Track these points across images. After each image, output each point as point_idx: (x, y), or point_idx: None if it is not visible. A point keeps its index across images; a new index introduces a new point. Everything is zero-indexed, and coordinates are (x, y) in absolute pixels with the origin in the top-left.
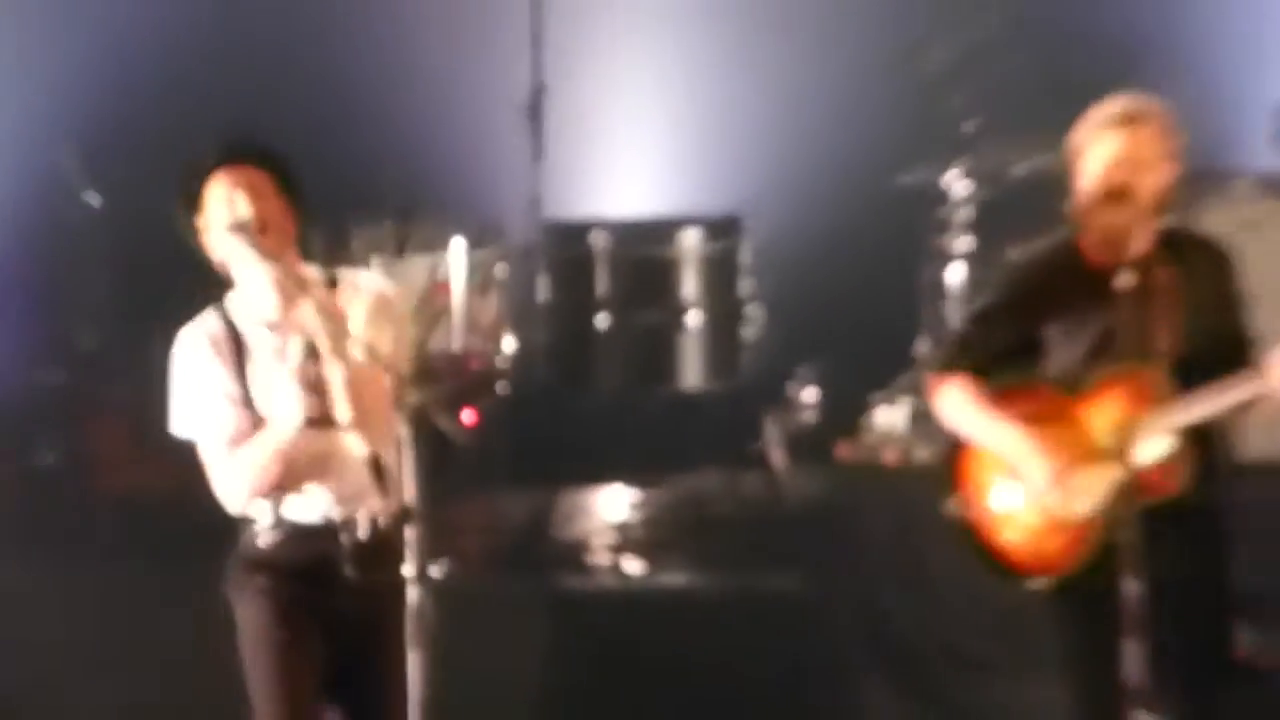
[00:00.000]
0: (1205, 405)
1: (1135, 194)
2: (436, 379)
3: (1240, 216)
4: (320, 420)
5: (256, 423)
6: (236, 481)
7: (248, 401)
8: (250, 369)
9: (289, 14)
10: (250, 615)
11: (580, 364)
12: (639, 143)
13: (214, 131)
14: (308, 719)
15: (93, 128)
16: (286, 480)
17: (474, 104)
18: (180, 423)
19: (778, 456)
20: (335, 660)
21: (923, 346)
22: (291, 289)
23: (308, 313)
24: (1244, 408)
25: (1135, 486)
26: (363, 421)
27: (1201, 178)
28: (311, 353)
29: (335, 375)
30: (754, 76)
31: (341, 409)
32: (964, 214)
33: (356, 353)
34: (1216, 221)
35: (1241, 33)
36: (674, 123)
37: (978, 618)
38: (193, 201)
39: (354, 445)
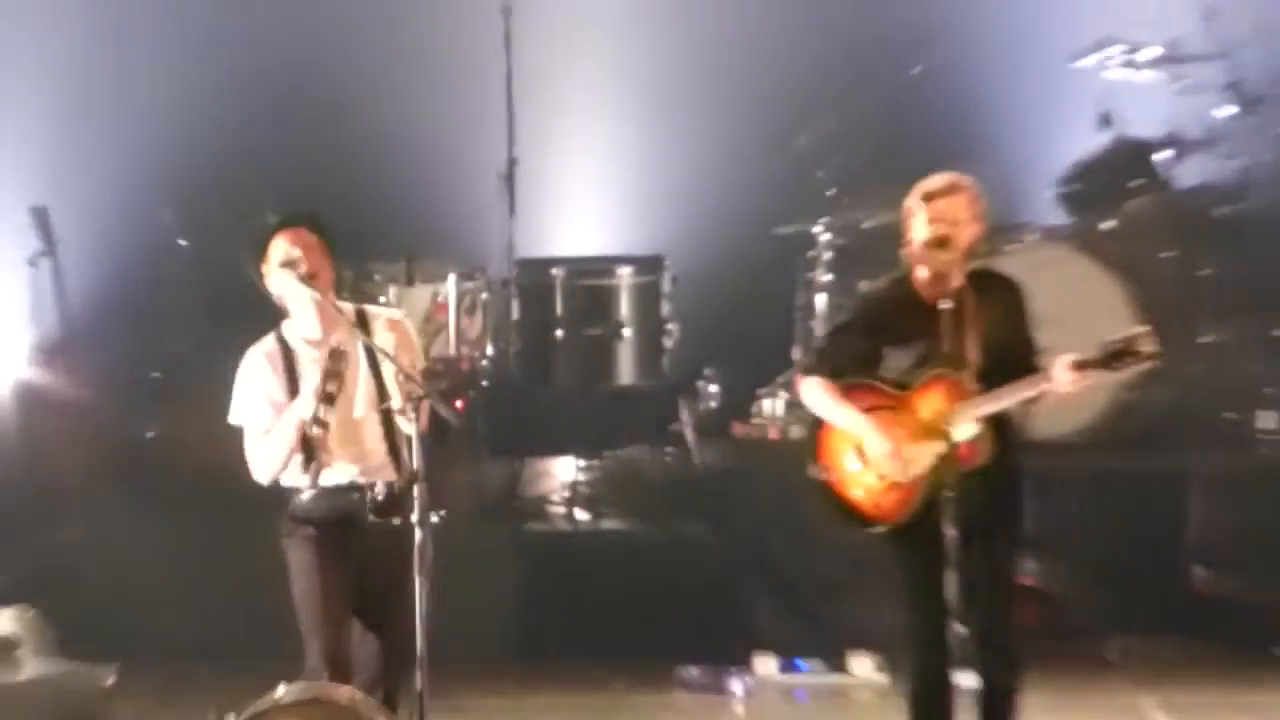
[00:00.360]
0: (1003, 399)
1: (952, 244)
2: (436, 376)
3: (1029, 259)
4: (349, 410)
5: (298, 428)
6: (261, 462)
7: (283, 397)
8: (298, 380)
9: (330, 107)
10: (298, 555)
11: (542, 366)
12: (587, 201)
13: (274, 194)
14: (339, 626)
15: (183, 190)
16: (325, 457)
17: (465, 174)
18: (235, 414)
19: (690, 434)
20: (360, 585)
21: (796, 353)
22: (329, 316)
23: (341, 333)
24: (1032, 401)
25: (951, 458)
26: (379, 412)
27: (1001, 230)
28: (340, 361)
29: (360, 380)
30: (673, 152)
31: (360, 405)
32: (826, 256)
33: (383, 362)
34: (1012, 263)
35: (1029, 124)
36: (613, 186)
37: (838, 554)
38: (260, 252)
39: (371, 429)
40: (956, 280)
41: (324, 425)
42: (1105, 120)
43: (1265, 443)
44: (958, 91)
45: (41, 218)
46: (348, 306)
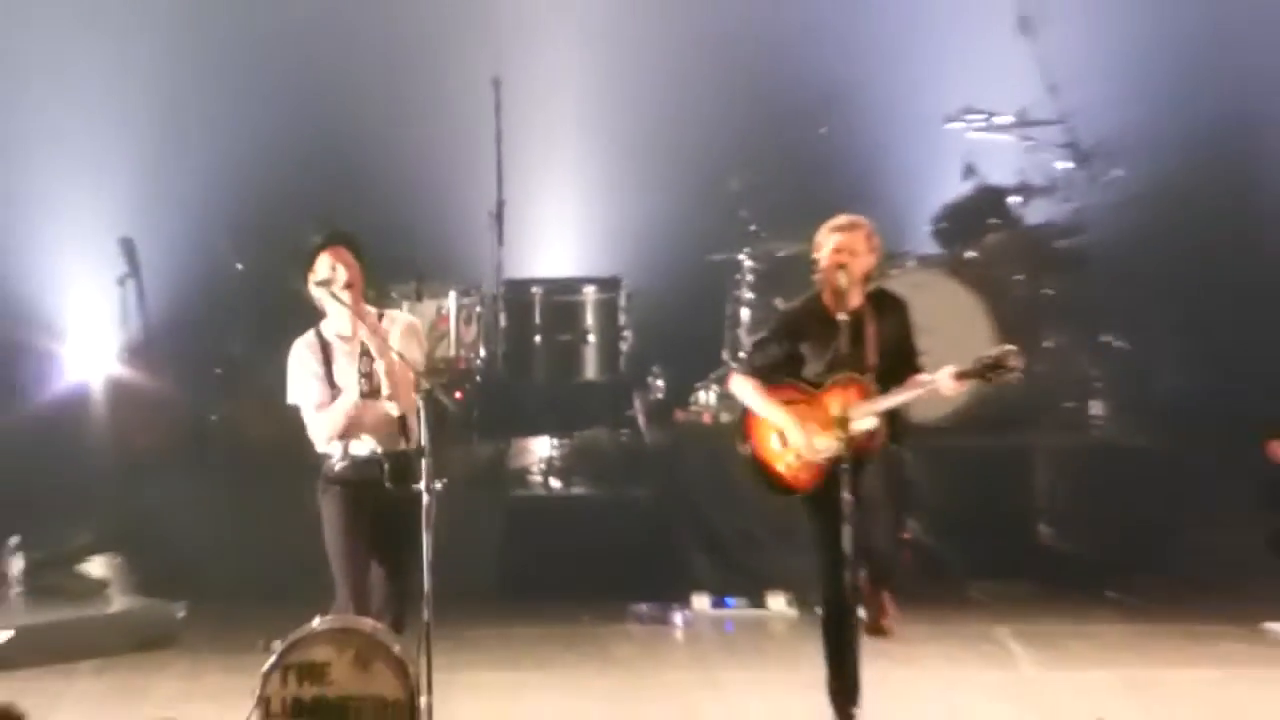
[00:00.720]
0: (897, 399)
1: (851, 270)
2: (440, 373)
3: (909, 280)
4: (370, 395)
5: (334, 396)
6: (320, 431)
7: (329, 383)
8: (333, 365)
9: (358, 158)
10: (329, 509)
11: (523, 365)
12: (560, 234)
13: (315, 223)
14: (362, 570)
15: (237, 219)
16: (352, 429)
17: (463, 212)
18: (291, 395)
19: (641, 419)
20: (378, 536)
21: (725, 355)
22: (358, 318)
23: (365, 332)
24: (917, 399)
25: (852, 444)
26: (395, 396)
27: (889, 257)
28: (366, 354)
29: (380, 369)
30: (629, 194)
31: (383, 389)
32: (748, 278)
33: (394, 357)
34: (896, 283)
35: (909, 173)
36: (581, 222)
37: (760, 515)
38: (307, 265)
39: (391, 410)
40: (857, 299)
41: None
42: (969, 171)
43: (1095, 426)
44: (854, 147)
45: (128, 247)
46: (372, 310)
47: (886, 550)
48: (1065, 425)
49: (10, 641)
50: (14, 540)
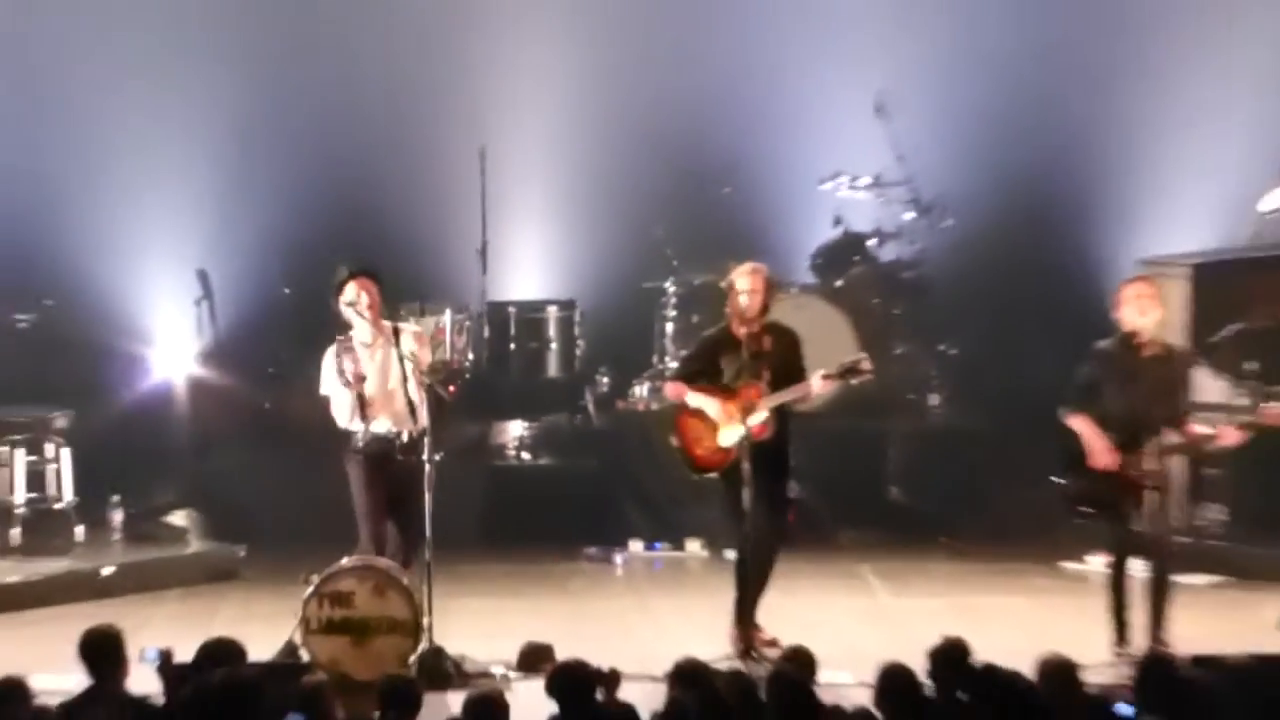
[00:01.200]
0: (781, 397)
1: (752, 304)
2: (438, 372)
3: (794, 303)
4: (386, 386)
5: (355, 390)
6: (339, 415)
7: (349, 381)
8: (358, 364)
9: (375, 207)
10: (354, 473)
11: (501, 366)
12: (529, 266)
13: (344, 258)
14: (379, 521)
15: (285, 254)
16: (371, 413)
17: (455, 249)
18: (323, 389)
19: (591, 408)
20: (391, 495)
21: (654, 359)
22: (377, 330)
23: (382, 339)
24: (799, 400)
25: (751, 432)
26: (405, 384)
27: (779, 285)
28: (385, 357)
29: (393, 369)
30: (582, 236)
31: (394, 382)
32: (672, 300)
33: (406, 358)
34: (784, 305)
35: (793, 222)
36: (545, 257)
37: (680, 480)
38: (340, 290)
39: (399, 398)
40: (756, 327)
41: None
42: (837, 221)
43: (933, 412)
44: (751, 201)
45: (203, 276)
46: (387, 324)
47: (776, 507)
48: (911, 412)
49: (112, 574)
50: (115, 498)
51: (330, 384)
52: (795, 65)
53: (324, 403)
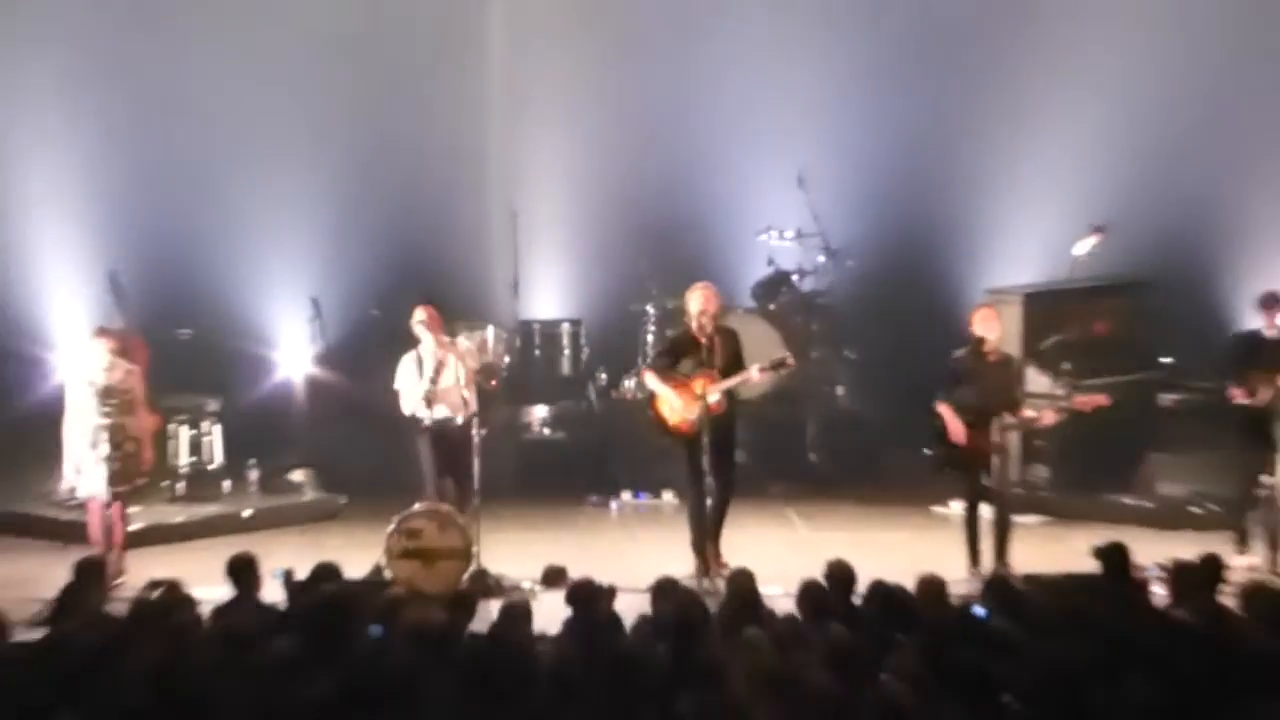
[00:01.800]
0: (730, 383)
1: (705, 313)
2: (484, 371)
3: (738, 320)
4: (446, 383)
5: (424, 389)
6: (405, 404)
7: (420, 378)
8: (425, 368)
9: (439, 251)
10: (422, 445)
11: (528, 367)
12: (549, 295)
13: (417, 290)
14: (441, 478)
15: (374, 284)
16: (434, 401)
17: (497, 282)
18: (395, 383)
19: (593, 396)
20: (449, 459)
21: (639, 362)
22: (440, 341)
23: (444, 349)
24: (742, 384)
25: (708, 409)
26: (459, 381)
27: (728, 308)
28: (444, 360)
29: (451, 370)
30: (586, 272)
31: (450, 380)
32: (651, 319)
33: (461, 362)
34: (733, 320)
35: (739, 263)
36: (561, 287)
37: (656, 447)
38: (411, 312)
39: (455, 391)
40: (710, 330)
41: (434, 392)
42: (770, 262)
43: (838, 400)
44: (709, 245)
45: (315, 302)
46: (446, 338)
47: (726, 468)
48: (823, 399)
49: (250, 516)
50: (251, 461)
51: (402, 381)
52: (739, 146)
53: (395, 394)
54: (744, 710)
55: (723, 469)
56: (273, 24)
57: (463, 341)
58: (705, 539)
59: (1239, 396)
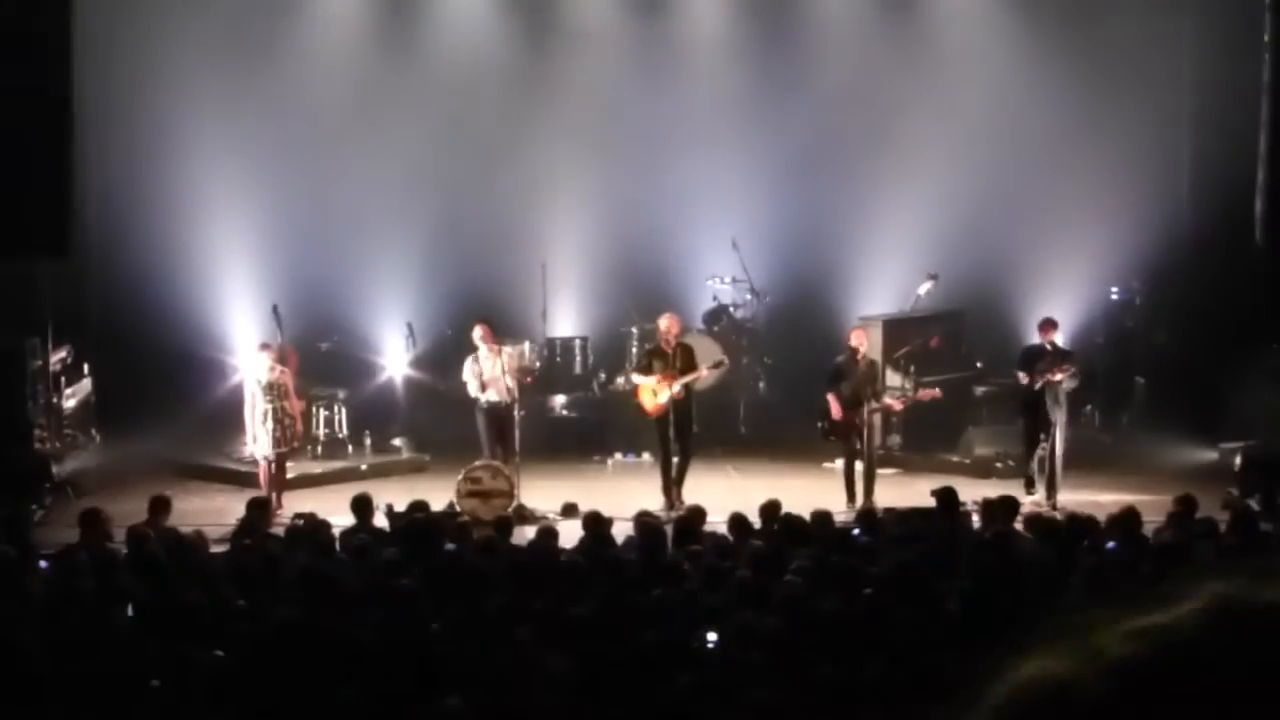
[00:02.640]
0: (686, 379)
1: (670, 332)
2: (522, 371)
3: (692, 338)
4: (495, 375)
5: (479, 380)
6: (470, 389)
7: (478, 374)
8: (480, 365)
9: (490, 289)
10: (480, 419)
11: (553, 368)
12: (566, 319)
13: (476, 314)
14: (494, 443)
15: (449, 310)
16: (487, 388)
17: (529, 312)
18: (463, 375)
19: (596, 390)
20: (498, 430)
21: (626, 368)
22: (491, 348)
23: (493, 354)
24: (695, 380)
25: (672, 398)
26: (505, 377)
27: (687, 330)
28: (494, 359)
29: (499, 366)
30: (591, 309)
31: (498, 371)
32: (635, 338)
33: (507, 364)
34: (690, 338)
35: (696, 301)
36: (575, 315)
37: (638, 423)
38: (470, 330)
39: (501, 381)
40: (673, 344)
41: (484, 385)
42: (714, 298)
43: (760, 389)
44: (671, 289)
45: (410, 325)
46: (496, 346)
47: (685, 437)
48: (750, 389)
49: (365, 469)
50: (367, 431)
51: (466, 375)
52: (693, 218)
53: (462, 385)
54: (693, 596)
55: (684, 438)
56: (386, 132)
57: (508, 350)
58: (670, 485)
59: (1024, 380)
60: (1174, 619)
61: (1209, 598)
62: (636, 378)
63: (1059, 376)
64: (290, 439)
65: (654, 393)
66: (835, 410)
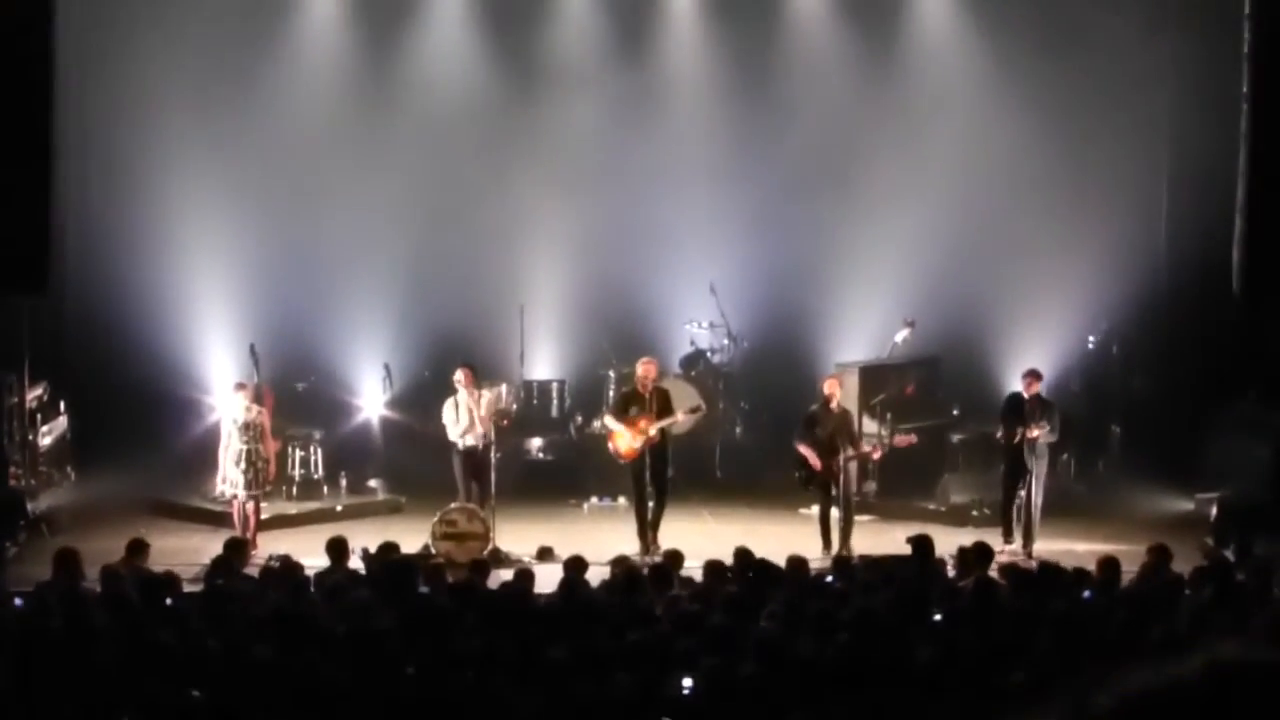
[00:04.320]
0: (663, 423)
1: (648, 376)
2: (499, 414)
3: (669, 382)
4: (473, 419)
5: (457, 423)
6: (449, 433)
7: (457, 419)
8: (459, 410)
9: (470, 334)
10: (456, 462)
11: (530, 412)
12: (545, 362)
13: (459, 358)
14: (468, 485)
15: (431, 355)
16: (464, 433)
17: (509, 356)
18: (444, 419)
19: (573, 432)
20: (474, 474)
21: (603, 410)
22: (472, 392)
23: (473, 398)
24: (671, 424)
25: (648, 441)
26: (480, 419)
27: (664, 373)
28: (472, 404)
29: (479, 411)
30: (570, 353)
31: (478, 417)
32: (611, 380)
33: (484, 406)
34: (667, 381)
35: (675, 345)
36: (553, 360)
37: (614, 467)
38: (452, 373)
39: (479, 426)
40: (649, 388)
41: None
42: (692, 343)
43: (737, 434)
44: (649, 333)
45: (387, 366)
46: (476, 390)
47: (661, 481)
48: (726, 433)
49: (340, 510)
50: (343, 472)
51: (446, 417)
52: (672, 265)
53: (440, 427)
54: (668, 641)
55: (659, 482)
56: (365, 173)
57: (488, 393)
58: (646, 528)
59: (1004, 438)
60: (1171, 680)
61: (1205, 658)
62: (610, 421)
63: (1035, 434)
64: (263, 482)
65: (629, 436)
66: (813, 460)
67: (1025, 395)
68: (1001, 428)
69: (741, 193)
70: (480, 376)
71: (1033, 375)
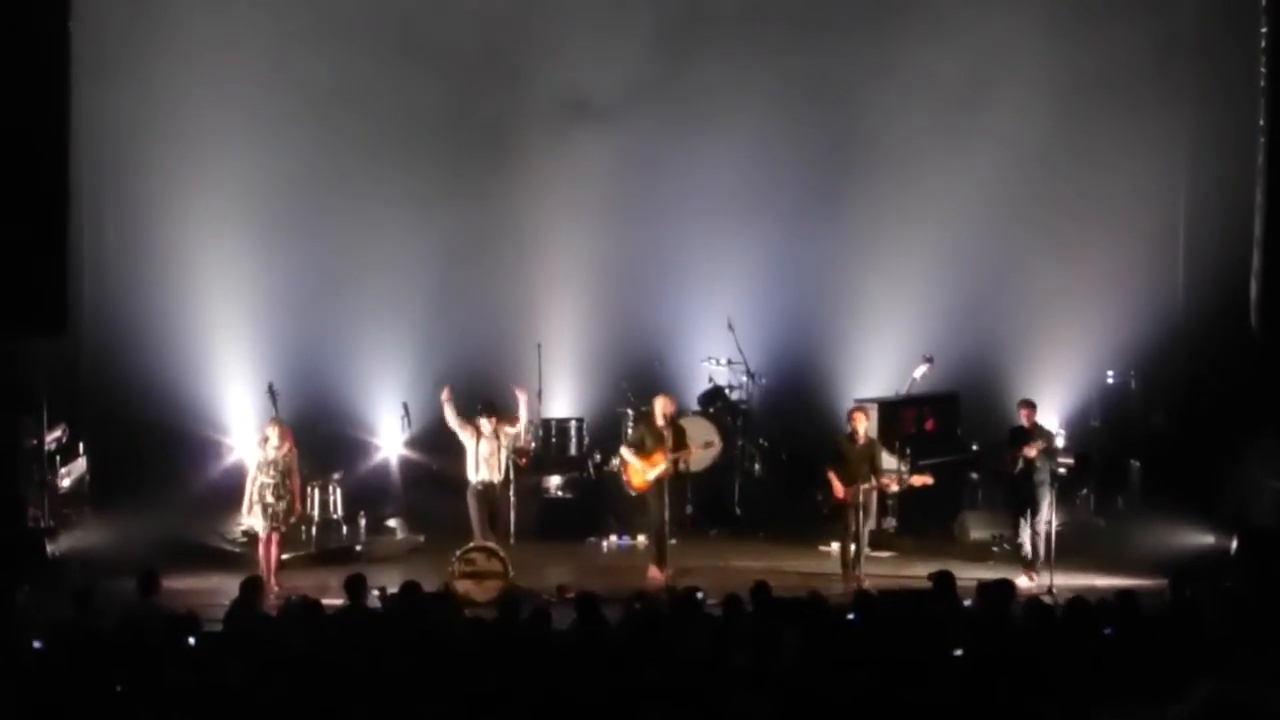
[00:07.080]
0: (678, 457)
1: (666, 412)
2: (518, 451)
3: (687, 420)
4: (493, 457)
5: (477, 457)
6: (470, 471)
7: (476, 451)
8: (480, 446)
9: (492, 375)
10: (471, 499)
11: (549, 449)
12: (562, 401)
13: (482, 403)
14: (485, 522)
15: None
16: (480, 469)
17: (527, 392)
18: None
19: (591, 469)
20: (491, 512)
21: (621, 447)
22: (493, 427)
23: (493, 429)
24: (686, 458)
25: (664, 473)
26: (499, 453)
27: (682, 412)
28: (495, 438)
29: (499, 449)
30: (587, 391)
31: (498, 455)
32: (629, 417)
33: (505, 445)
34: (685, 419)
35: (692, 381)
36: (569, 398)
37: (630, 502)
38: (478, 414)
39: (496, 460)
40: (666, 421)
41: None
42: (710, 379)
43: (756, 471)
44: (669, 370)
45: (405, 406)
46: (498, 423)
47: (677, 515)
48: (745, 470)
49: (360, 549)
50: (362, 511)
51: (468, 447)
52: (690, 303)
53: (458, 465)
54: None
55: (676, 516)
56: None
57: (509, 430)
58: (664, 561)
59: (1008, 467)
60: (1176, 717)
61: (1209, 695)
62: (626, 453)
63: (1031, 452)
64: (285, 518)
65: (642, 469)
66: (838, 489)
67: (1026, 425)
68: (1006, 458)
69: (759, 230)
70: (502, 415)
71: (1025, 405)
